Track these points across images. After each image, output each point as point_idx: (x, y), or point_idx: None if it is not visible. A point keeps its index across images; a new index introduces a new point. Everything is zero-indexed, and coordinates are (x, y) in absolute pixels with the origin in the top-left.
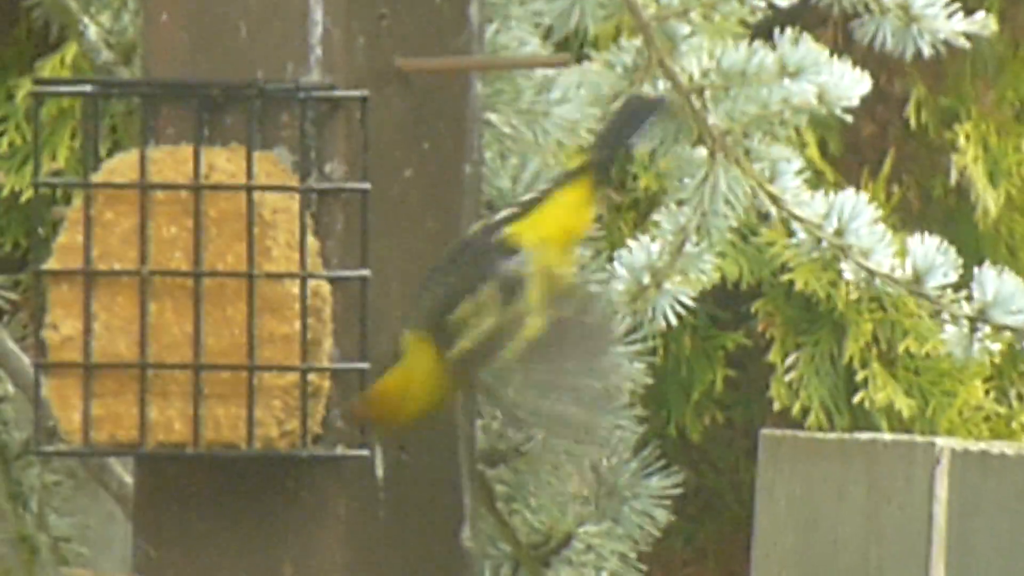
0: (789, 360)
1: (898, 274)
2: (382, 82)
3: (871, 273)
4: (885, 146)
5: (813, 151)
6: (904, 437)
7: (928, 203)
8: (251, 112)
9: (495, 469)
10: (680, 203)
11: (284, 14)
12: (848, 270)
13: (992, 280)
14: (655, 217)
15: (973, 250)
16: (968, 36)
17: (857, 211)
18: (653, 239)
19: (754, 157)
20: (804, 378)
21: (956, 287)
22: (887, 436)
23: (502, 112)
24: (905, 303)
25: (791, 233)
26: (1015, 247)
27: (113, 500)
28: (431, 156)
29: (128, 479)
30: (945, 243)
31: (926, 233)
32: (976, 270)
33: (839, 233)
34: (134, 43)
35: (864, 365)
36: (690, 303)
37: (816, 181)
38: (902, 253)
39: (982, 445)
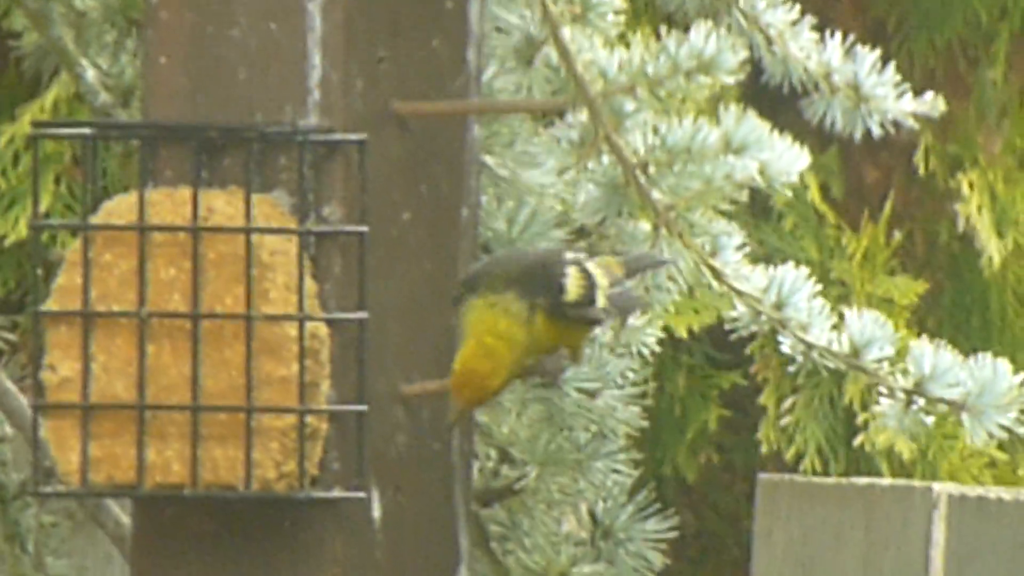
0: (786, 403)
1: (835, 348)
2: (380, 125)
3: (809, 346)
4: (888, 191)
5: (815, 193)
6: (901, 482)
7: (933, 249)
8: (250, 155)
9: (489, 508)
10: None
11: (283, 57)
12: (786, 344)
13: (929, 354)
14: None
15: (979, 297)
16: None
17: (796, 286)
18: None
19: (696, 232)
20: (800, 421)
21: (893, 360)
22: (885, 481)
23: (498, 155)
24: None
25: (732, 306)
26: (1022, 294)
27: (110, 541)
28: (429, 199)
29: (125, 520)
30: (882, 317)
31: (863, 308)
32: (912, 344)
33: (778, 307)
34: (132, 85)
35: (865, 407)
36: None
37: (817, 224)
38: (840, 326)
39: (979, 490)
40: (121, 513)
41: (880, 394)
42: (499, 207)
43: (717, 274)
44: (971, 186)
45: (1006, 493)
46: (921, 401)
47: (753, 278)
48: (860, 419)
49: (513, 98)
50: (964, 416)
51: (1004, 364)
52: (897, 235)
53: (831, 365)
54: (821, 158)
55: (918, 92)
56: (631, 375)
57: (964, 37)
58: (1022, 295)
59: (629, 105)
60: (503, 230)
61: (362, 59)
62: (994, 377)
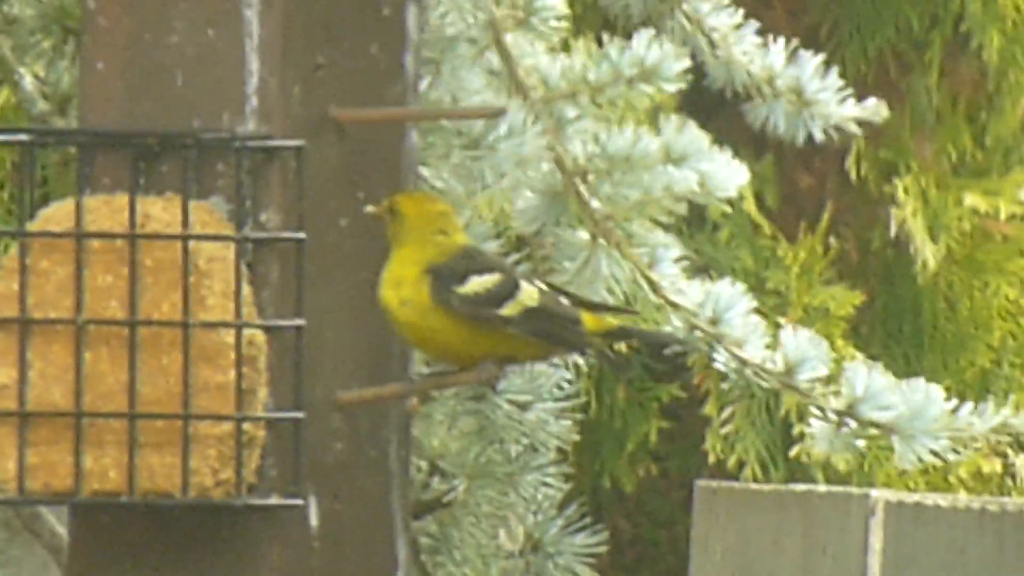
0: (725, 413)
1: (770, 366)
2: (318, 132)
3: (743, 363)
4: (823, 198)
5: (749, 204)
6: (839, 488)
7: (866, 256)
8: (187, 161)
9: (420, 521)
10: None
11: (220, 63)
12: (720, 360)
13: (862, 376)
14: None
15: (911, 304)
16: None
17: (732, 301)
18: None
19: (635, 243)
20: (740, 431)
21: (827, 380)
22: (822, 487)
23: (433, 166)
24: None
25: (667, 320)
26: (954, 300)
27: (47, 550)
28: (366, 205)
29: (60, 529)
30: (817, 336)
31: (798, 323)
32: (846, 365)
33: (714, 322)
34: (69, 93)
35: (800, 418)
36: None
37: (753, 234)
38: (775, 344)
39: (916, 497)
40: (56, 523)
41: (812, 415)
42: None
43: (654, 286)
44: (906, 191)
45: (943, 499)
46: (852, 423)
47: (690, 292)
48: (796, 430)
49: (450, 105)
50: (895, 439)
51: (936, 389)
52: (834, 244)
53: (765, 383)
54: (756, 166)
55: (854, 98)
56: (565, 388)
57: (896, 44)
58: (954, 301)
59: (571, 112)
60: None
61: (300, 65)
62: (926, 401)
